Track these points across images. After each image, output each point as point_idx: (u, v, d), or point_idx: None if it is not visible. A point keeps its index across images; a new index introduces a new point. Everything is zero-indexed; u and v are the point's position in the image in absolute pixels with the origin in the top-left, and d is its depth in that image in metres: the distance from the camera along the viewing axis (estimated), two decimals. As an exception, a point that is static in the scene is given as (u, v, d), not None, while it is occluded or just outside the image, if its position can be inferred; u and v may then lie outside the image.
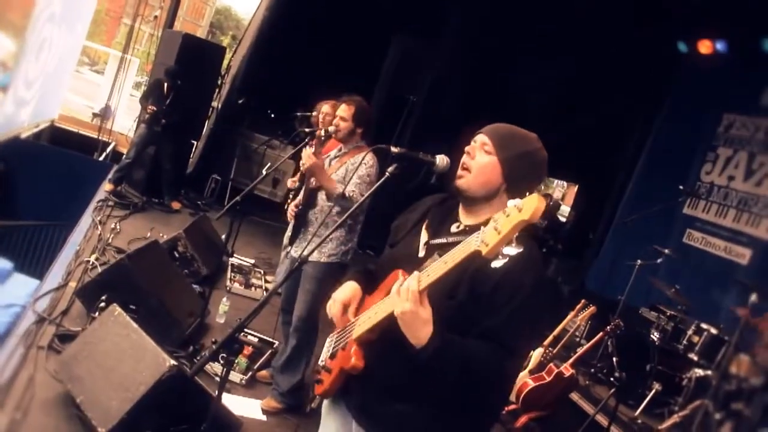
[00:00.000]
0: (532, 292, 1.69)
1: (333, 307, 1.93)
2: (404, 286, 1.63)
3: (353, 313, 1.90)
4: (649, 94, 8.54)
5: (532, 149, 1.86)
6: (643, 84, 8.33)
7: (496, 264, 1.45)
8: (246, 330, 4.56)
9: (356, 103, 3.66)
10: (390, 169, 1.96)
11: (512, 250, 1.42)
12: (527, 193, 1.85)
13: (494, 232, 1.42)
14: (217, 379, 3.78)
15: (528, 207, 1.38)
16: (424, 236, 1.91)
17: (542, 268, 1.80)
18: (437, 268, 1.59)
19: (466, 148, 1.88)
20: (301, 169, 3.73)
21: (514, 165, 1.82)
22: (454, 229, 1.88)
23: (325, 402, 2.02)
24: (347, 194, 3.42)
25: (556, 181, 26.32)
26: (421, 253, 1.87)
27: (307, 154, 3.48)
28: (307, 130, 4.05)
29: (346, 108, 3.65)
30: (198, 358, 3.87)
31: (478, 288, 1.69)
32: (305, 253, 3.60)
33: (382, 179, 1.97)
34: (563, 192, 26.75)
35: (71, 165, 8.77)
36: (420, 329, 1.62)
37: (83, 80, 22.73)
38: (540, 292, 1.74)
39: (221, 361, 3.79)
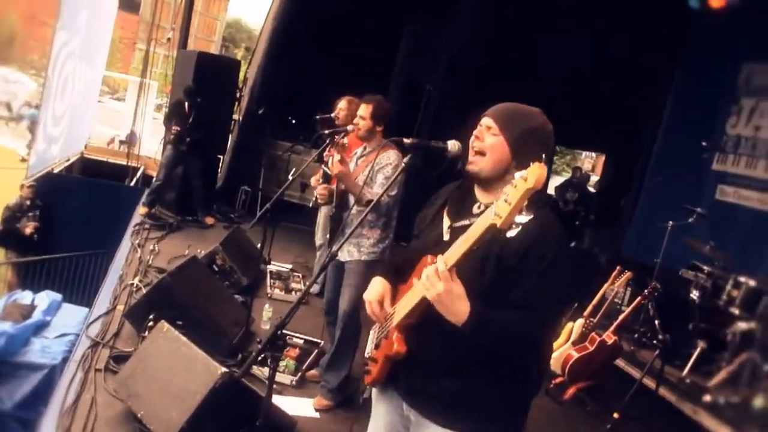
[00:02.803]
0: (557, 256, 1.78)
1: (369, 306, 2.01)
2: (431, 270, 1.70)
3: (389, 305, 1.99)
4: (666, 55, 8.42)
5: (536, 125, 1.94)
6: (658, 45, 8.21)
7: (511, 233, 1.56)
8: (291, 333, 4.68)
9: (375, 102, 3.69)
10: (405, 160, 2.04)
11: (523, 218, 1.54)
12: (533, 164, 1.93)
13: (505, 204, 1.53)
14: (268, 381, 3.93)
15: (532, 176, 1.50)
16: (446, 221, 1.98)
17: (563, 233, 1.87)
18: (460, 245, 1.68)
19: (474, 132, 1.96)
20: (331, 175, 3.77)
21: (521, 142, 1.89)
22: (475, 209, 1.95)
23: (375, 390, 2.12)
24: (374, 198, 3.47)
25: (584, 153, 26.12)
26: (446, 237, 1.94)
27: (334, 161, 3.49)
28: (326, 132, 4.12)
29: (365, 107, 3.69)
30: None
31: (505, 261, 1.78)
32: (339, 252, 3.73)
33: (399, 172, 2.05)
34: (593, 163, 26.45)
35: (104, 193, 9.08)
36: (456, 305, 1.71)
37: (105, 109, 23.21)
38: (564, 256, 1.84)
39: (268, 362, 3.94)
